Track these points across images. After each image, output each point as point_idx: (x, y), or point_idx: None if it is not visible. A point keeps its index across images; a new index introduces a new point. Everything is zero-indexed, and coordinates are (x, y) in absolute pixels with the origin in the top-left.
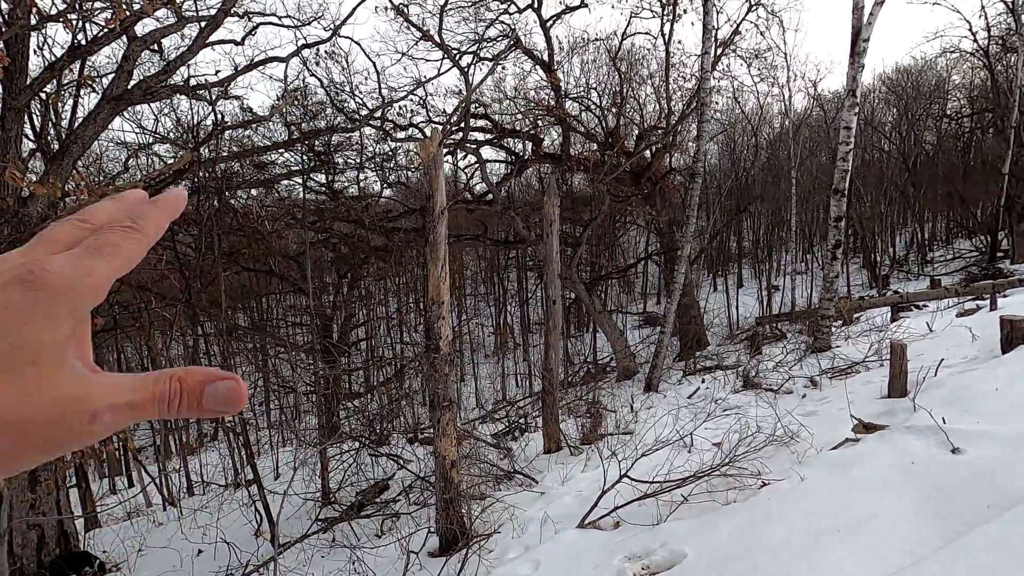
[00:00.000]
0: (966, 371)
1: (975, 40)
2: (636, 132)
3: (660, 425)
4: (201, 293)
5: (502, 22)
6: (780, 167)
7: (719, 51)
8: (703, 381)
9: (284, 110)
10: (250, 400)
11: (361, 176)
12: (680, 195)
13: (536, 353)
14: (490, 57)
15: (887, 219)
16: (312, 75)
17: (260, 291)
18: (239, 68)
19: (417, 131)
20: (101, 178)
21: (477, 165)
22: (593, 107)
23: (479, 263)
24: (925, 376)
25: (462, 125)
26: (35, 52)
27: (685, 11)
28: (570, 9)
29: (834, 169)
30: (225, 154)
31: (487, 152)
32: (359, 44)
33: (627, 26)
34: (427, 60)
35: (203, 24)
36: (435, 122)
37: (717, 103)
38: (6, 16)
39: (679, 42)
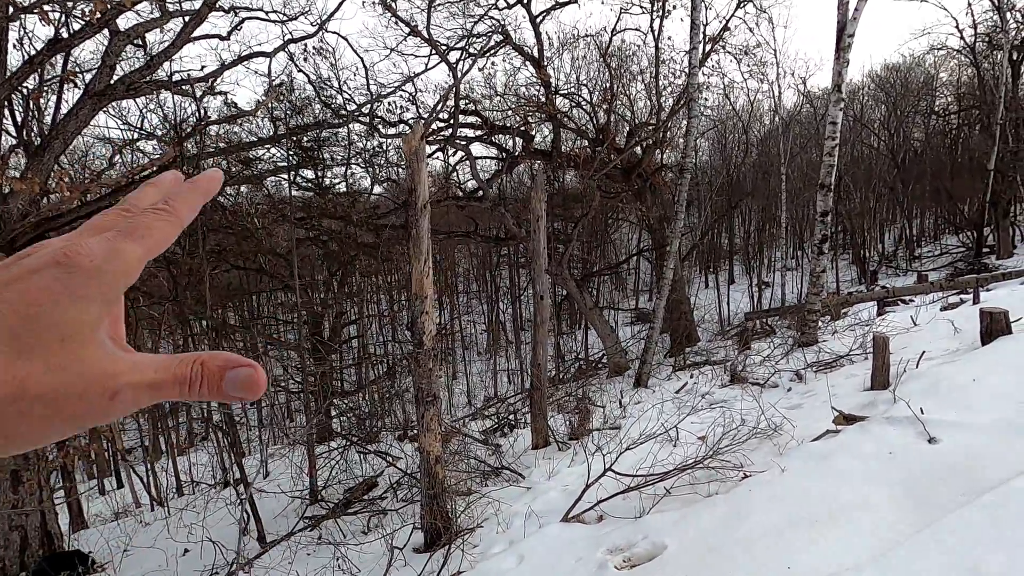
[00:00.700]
0: (946, 363)
1: (962, 37)
2: (627, 129)
3: (646, 420)
4: (186, 291)
5: (491, 17)
6: (770, 163)
7: (708, 47)
8: (691, 376)
9: (269, 105)
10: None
11: (349, 172)
12: (671, 191)
13: (528, 350)
14: (479, 53)
15: (876, 215)
16: (300, 71)
17: (250, 289)
18: (224, 64)
19: (407, 127)
20: (86, 175)
21: (467, 161)
22: (584, 103)
23: (471, 260)
24: (906, 368)
25: (451, 121)
26: (15, 47)
27: (674, 7)
28: (560, 4)
29: (821, 165)
30: (211, 150)
31: (478, 149)
32: (346, 39)
33: (617, 22)
34: (416, 56)
35: (187, 19)
36: (423, 118)
37: (707, 100)
38: None
39: (669, 38)
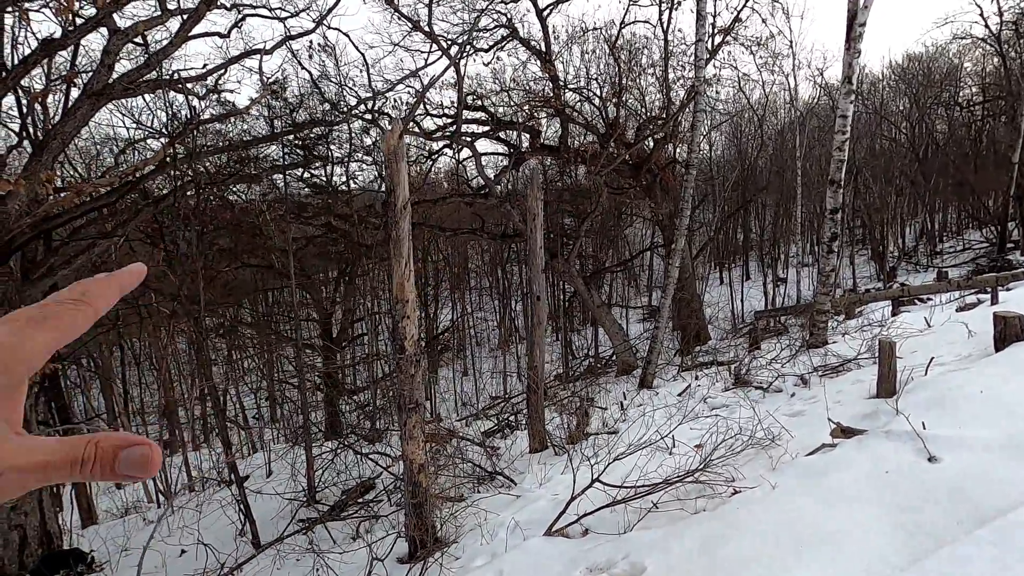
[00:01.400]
0: (956, 370)
1: (987, 25)
2: (637, 123)
3: (644, 425)
4: (183, 290)
5: (497, 11)
6: (786, 158)
7: (720, 39)
8: (696, 378)
9: (262, 103)
10: (255, 396)
11: (354, 168)
12: (682, 187)
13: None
14: (486, 48)
15: (896, 210)
16: (302, 67)
17: (263, 286)
18: (225, 61)
19: (414, 123)
20: (94, 174)
21: (473, 158)
22: (593, 98)
23: (482, 256)
24: (913, 376)
25: (456, 117)
26: (12, 48)
27: None
28: None
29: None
30: (208, 147)
31: (485, 145)
32: (347, 35)
33: (625, 14)
34: (422, 52)
35: (185, 16)
36: (431, 114)
37: (719, 93)
38: None
39: (679, 30)
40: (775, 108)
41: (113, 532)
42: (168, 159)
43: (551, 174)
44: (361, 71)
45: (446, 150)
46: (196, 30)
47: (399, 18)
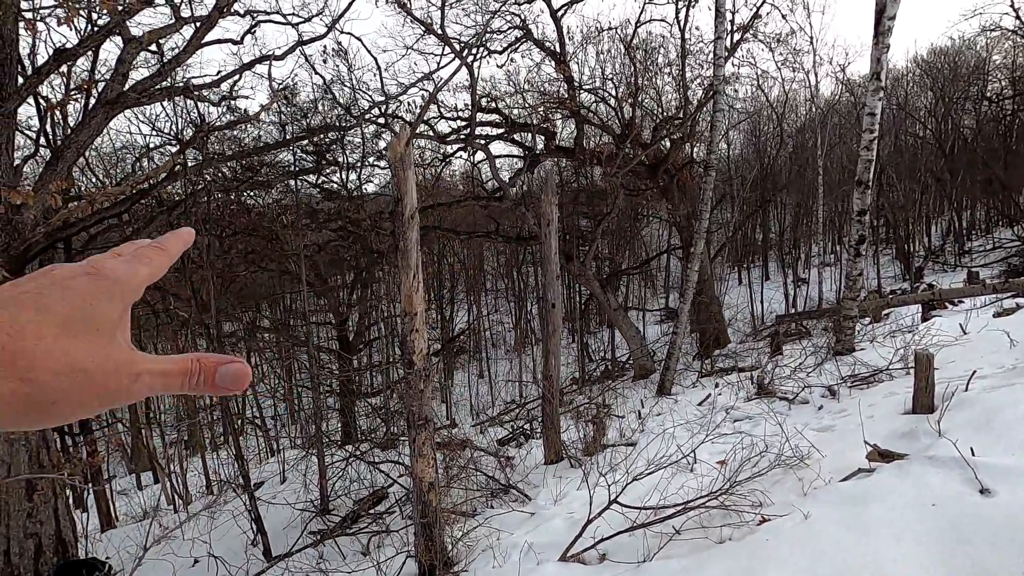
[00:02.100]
0: (1002, 386)
1: (1017, 16)
2: (653, 123)
3: (664, 438)
4: (201, 295)
5: (511, 12)
6: (807, 156)
7: (738, 36)
8: (716, 386)
9: (272, 109)
10: (272, 400)
11: (364, 175)
12: (700, 188)
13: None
14: (499, 50)
15: (922, 208)
16: (315, 72)
17: (276, 291)
18: (236, 68)
19: (427, 127)
20: (111, 182)
21: (487, 161)
22: (609, 98)
23: (497, 258)
24: (954, 391)
25: (470, 120)
26: (29, 59)
27: None
28: None
29: (857, 159)
30: (219, 155)
31: (500, 147)
32: (360, 40)
33: (641, 13)
34: (435, 55)
35: (198, 24)
36: (446, 117)
37: (737, 92)
38: None
39: (696, 28)
40: (795, 106)
41: (131, 537)
42: (179, 167)
43: (567, 175)
44: (375, 75)
45: (460, 153)
46: (209, 37)
47: (412, 21)
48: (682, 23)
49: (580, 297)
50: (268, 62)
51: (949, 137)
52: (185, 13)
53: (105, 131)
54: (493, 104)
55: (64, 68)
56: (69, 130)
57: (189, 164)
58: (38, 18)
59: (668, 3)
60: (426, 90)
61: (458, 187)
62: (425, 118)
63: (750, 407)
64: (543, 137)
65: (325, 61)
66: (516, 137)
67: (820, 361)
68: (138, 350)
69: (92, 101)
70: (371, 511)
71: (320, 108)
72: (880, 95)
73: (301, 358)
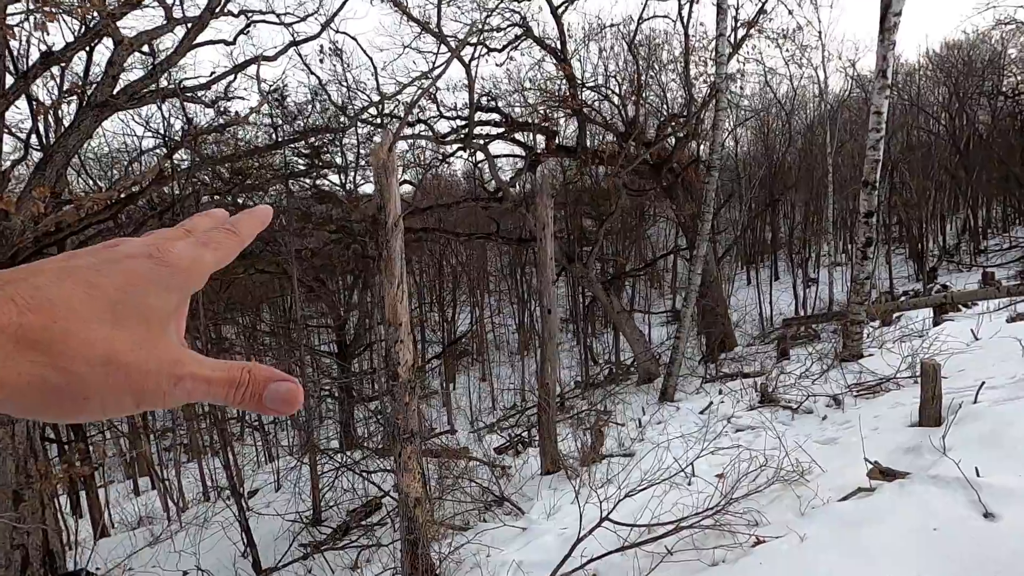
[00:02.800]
0: (1011, 399)
1: None
2: (657, 121)
3: (663, 449)
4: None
5: (510, 9)
6: (817, 153)
7: (743, 32)
8: (720, 392)
9: (261, 111)
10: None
11: (359, 176)
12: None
13: (561, 353)
14: (499, 48)
15: (936, 205)
16: (310, 72)
17: (273, 292)
18: (228, 69)
19: (425, 127)
20: (106, 185)
21: (486, 161)
22: (612, 96)
23: (500, 259)
24: (961, 403)
25: (468, 120)
26: (14, 62)
27: None
28: None
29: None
30: (208, 159)
31: (501, 146)
32: (355, 39)
33: (643, 9)
34: (434, 53)
35: (190, 25)
36: (445, 116)
37: (743, 89)
38: None
39: (701, 24)
40: (804, 102)
41: (124, 547)
42: (167, 171)
43: (569, 175)
44: (371, 75)
45: (460, 152)
46: (201, 37)
47: (408, 20)
48: (685, 19)
49: (584, 298)
50: (257, 63)
51: (964, 133)
52: (177, 14)
53: (101, 133)
54: (493, 103)
55: (56, 70)
56: (61, 131)
57: (181, 167)
58: (16, 23)
59: None
60: (423, 89)
61: (461, 185)
62: (424, 118)
63: (752, 416)
64: (544, 136)
65: (322, 61)
66: (517, 136)
67: (826, 368)
68: (186, 347)
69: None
70: (363, 523)
71: (314, 108)
72: (887, 93)
73: (300, 359)
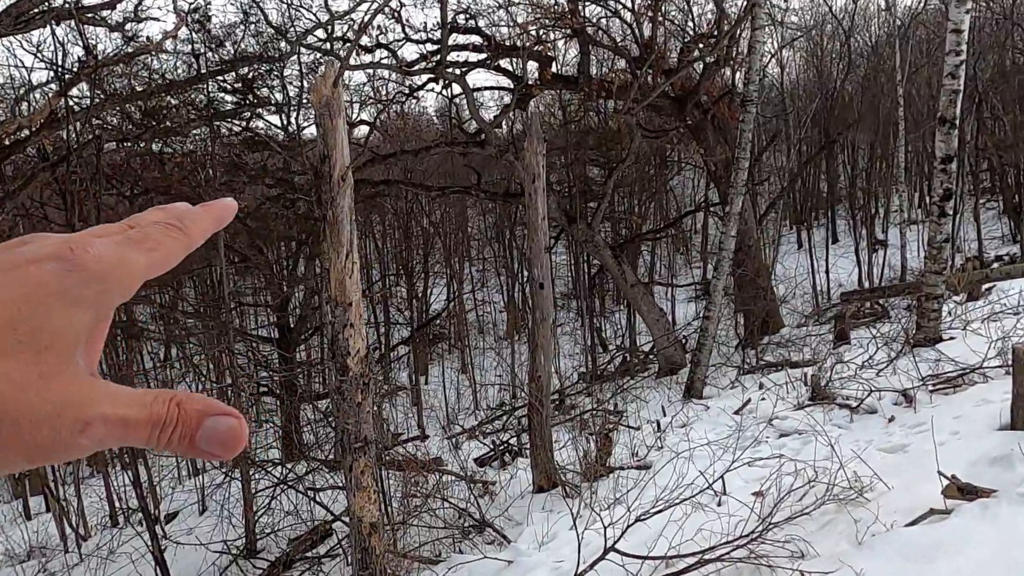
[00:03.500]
0: None
1: None
2: (680, 44)
3: (686, 458)
4: None
5: None
6: (883, 82)
7: None
8: (760, 387)
9: (180, 35)
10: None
11: (303, 117)
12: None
13: (561, 338)
14: None
15: None
16: None
17: (192, 265)
18: None
19: (387, 53)
20: None
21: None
22: (623, 11)
23: (484, 219)
24: None
25: (440, 44)
26: None
27: None
28: None
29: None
30: (112, 95)
31: (483, 76)
32: None
33: None
34: None
35: None
36: (412, 40)
37: (789, 2)
38: None
39: None
40: (867, 16)
41: None
42: (60, 112)
43: (570, 112)
44: None
45: (431, 85)
46: None
47: None
48: None
49: (590, 268)
50: None
51: None
52: None
53: None
54: (472, 22)
55: None
56: None
57: (79, 106)
58: None
59: None
60: (384, 5)
61: (433, 126)
62: (385, 41)
63: (800, 418)
64: (537, 64)
65: None
66: (503, 64)
67: (895, 355)
68: (97, 378)
69: None
70: (308, 554)
71: (246, 31)
72: (968, 5)
73: (233, 349)
